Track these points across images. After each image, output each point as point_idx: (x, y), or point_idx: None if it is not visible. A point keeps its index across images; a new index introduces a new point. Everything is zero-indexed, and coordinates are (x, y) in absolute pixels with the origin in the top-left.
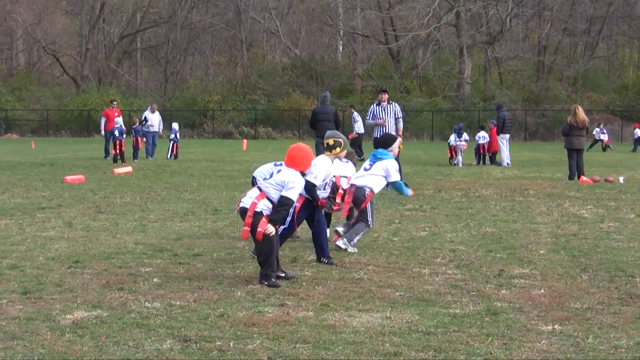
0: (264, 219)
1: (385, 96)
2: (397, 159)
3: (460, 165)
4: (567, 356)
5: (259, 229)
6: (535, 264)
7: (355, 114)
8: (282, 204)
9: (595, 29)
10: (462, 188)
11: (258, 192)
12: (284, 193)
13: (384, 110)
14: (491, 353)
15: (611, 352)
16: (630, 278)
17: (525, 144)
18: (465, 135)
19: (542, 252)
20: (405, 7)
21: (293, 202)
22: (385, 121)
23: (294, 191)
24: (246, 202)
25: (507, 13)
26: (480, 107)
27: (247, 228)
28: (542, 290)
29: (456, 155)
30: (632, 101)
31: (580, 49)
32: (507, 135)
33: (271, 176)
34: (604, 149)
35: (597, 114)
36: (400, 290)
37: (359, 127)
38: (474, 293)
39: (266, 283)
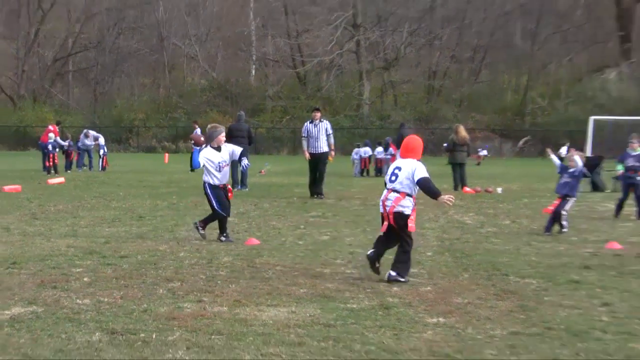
0: (411, 217)
1: (318, 114)
2: None
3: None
4: (449, 345)
5: (409, 224)
6: (423, 265)
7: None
8: (426, 184)
9: (479, 57)
10: (360, 197)
11: (396, 194)
12: (420, 176)
13: (316, 127)
14: (383, 342)
15: (487, 340)
16: (504, 276)
17: None
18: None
19: (429, 254)
20: (311, 35)
21: (429, 177)
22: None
23: (423, 169)
24: (389, 205)
25: (402, 42)
26: (377, 126)
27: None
28: (429, 287)
29: (382, 165)
30: (510, 121)
31: (466, 74)
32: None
33: (397, 177)
34: (478, 164)
35: (480, 132)
36: (304, 287)
37: None
38: (369, 290)
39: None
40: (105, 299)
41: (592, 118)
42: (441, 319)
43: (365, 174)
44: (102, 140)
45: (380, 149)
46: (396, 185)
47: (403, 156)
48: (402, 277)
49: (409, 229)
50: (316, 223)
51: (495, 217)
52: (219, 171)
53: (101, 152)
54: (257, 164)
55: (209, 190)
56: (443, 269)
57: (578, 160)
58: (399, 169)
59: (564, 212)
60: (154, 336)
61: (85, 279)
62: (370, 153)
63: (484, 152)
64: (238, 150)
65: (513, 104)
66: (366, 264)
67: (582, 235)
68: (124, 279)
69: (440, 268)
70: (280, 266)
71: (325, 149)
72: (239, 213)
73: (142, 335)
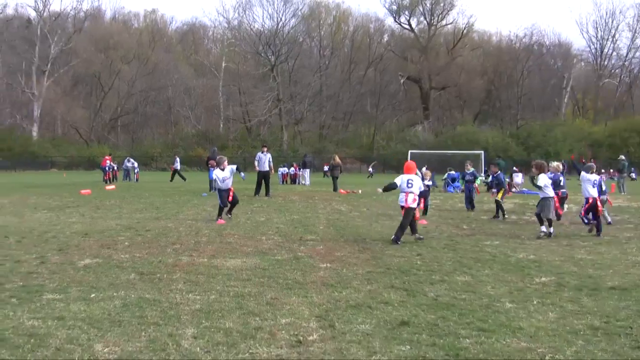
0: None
1: (265, 148)
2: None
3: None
4: (333, 278)
5: (416, 214)
6: (318, 233)
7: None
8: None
9: (347, 117)
10: (281, 196)
11: (413, 195)
12: (421, 186)
13: (265, 155)
14: (295, 278)
15: (354, 276)
16: (364, 240)
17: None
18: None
19: (321, 227)
20: (254, 105)
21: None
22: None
23: (420, 183)
24: (410, 202)
25: (305, 109)
26: (291, 155)
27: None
28: (321, 247)
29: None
30: (365, 152)
31: (340, 126)
32: (308, 170)
33: (412, 185)
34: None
35: (348, 159)
36: (250, 247)
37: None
38: (287, 249)
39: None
40: (137, 255)
41: (410, 151)
42: (328, 264)
43: (285, 183)
44: (136, 164)
45: (292, 169)
46: (413, 189)
47: (407, 172)
48: (398, 240)
49: (415, 217)
50: (257, 211)
51: (358, 207)
52: (223, 182)
53: (136, 170)
54: None
55: (218, 193)
56: (329, 236)
57: (427, 175)
58: (412, 180)
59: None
60: (165, 276)
61: (125, 243)
62: (287, 171)
63: (371, 170)
64: (234, 166)
65: (366, 142)
66: (285, 234)
67: (433, 219)
68: (148, 243)
69: (328, 235)
70: (237, 235)
71: (268, 168)
72: (214, 205)
73: (158, 275)
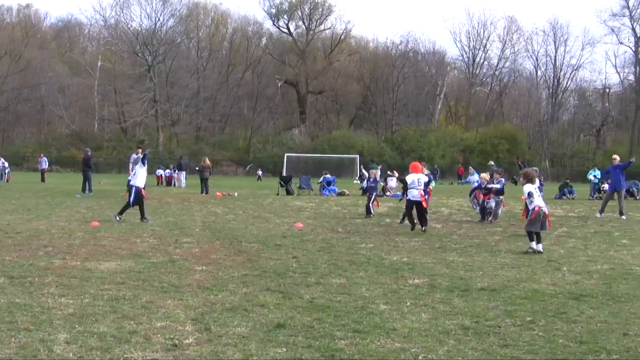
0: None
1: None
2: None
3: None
4: (209, 281)
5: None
6: (194, 236)
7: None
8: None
9: (225, 119)
10: (156, 198)
11: (421, 191)
12: (425, 181)
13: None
14: (171, 281)
15: (230, 278)
16: (239, 242)
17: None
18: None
19: (197, 230)
20: (130, 105)
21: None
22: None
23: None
24: (416, 195)
25: (181, 110)
26: (167, 157)
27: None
28: (197, 249)
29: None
30: (241, 155)
31: (217, 128)
32: (184, 172)
33: (419, 183)
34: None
35: (225, 162)
36: (125, 250)
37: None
38: (163, 251)
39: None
40: (7, 258)
41: (286, 155)
42: (204, 267)
43: (160, 185)
44: (6, 164)
45: (168, 170)
46: (421, 187)
47: (414, 171)
48: (425, 225)
49: (425, 206)
50: (132, 212)
51: (234, 209)
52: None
53: (6, 170)
54: (99, 179)
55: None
56: (205, 239)
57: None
58: (419, 179)
59: None
60: (36, 279)
61: None
62: (163, 173)
63: (260, 173)
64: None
65: (243, 145)
66: (160, 236)
67: (283, 219)
68: (18, 245)
69: (203, 238)
70: (111, 238)
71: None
72: (88, 207)
73: (29, 279)
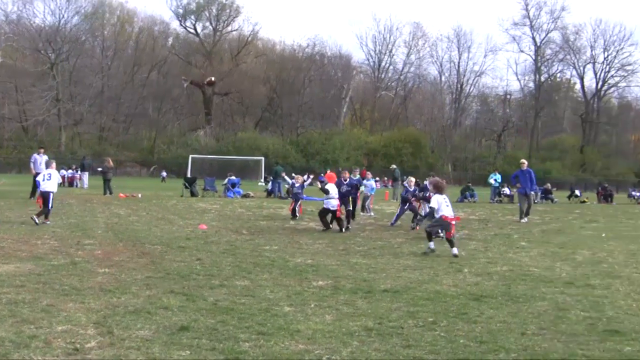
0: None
1: (42, 150)
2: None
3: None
4: (111, 284)
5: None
6: (96, 238)
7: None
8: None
9: (129, 120)
10: (58, 199)
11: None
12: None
13: (41, 156)
14: (72, 283)
15: (133, 281)
16: (143, 244)
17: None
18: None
19: (99, 231)
20: (32, 103)
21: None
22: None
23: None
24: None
25: (85, 109)
26: (69, 157)
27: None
28: (99, 251)
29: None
30: (145, 156)
31: (123, 129)
32: (86, 173)
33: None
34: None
35: (129, 163)
36: (25, 252)
37: None
38: (64, 253)
39: None
40: None
41: (191, 156)
42: (107, 269)
43: (62, 185)
44: None
45: (71, 171)
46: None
47: (331, 181)
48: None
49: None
50: (29, 214)
51: (137, 211)
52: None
53: None
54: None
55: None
56: (108, 240)
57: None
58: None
59: None
60: None
61: None
62: (65, 173)
63: (164, 174)
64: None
65: (147, 146)
66: (62, 238)
67: (187, 221)
68: None
69: (106, 240)
70: (10, 240)
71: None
72: None
73: None
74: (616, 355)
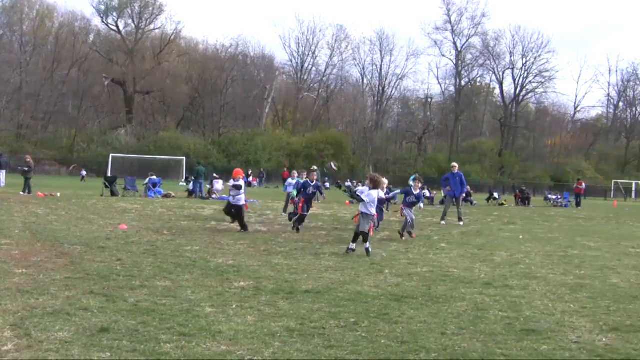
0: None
1: None
2: None
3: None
4: (29, 285)
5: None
6: (13, 237)
7: None
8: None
9: (48, 118)
10: (4, 199)
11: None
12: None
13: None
14: None
15: (51, 282)
16: (62, 244)
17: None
18: None
19: (17, 231)
20: None
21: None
22: None
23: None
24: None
25: (2, 106)
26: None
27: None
28: (17, 251)
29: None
30: (65, 155)
31: (42, 127)
32: (3, 171)
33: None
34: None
35: (48, 161)
36: None
37: None
38: None
39: None
40: None
41: (111, 155)
42: (24, 270)
43: None
44: None
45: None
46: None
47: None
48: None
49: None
50: None
51: (56, 210)
52: None
53: None
54: None
55: None
56: (25, 241)
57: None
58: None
59: None
60: None
61: None
62: None
63: (84, 173)
64: None
65: (67, 144)
66: None
67: (107, 221)
68: None
69: (23, 240)
70: None
71: None
72: None
73: None
74: (533, 353)
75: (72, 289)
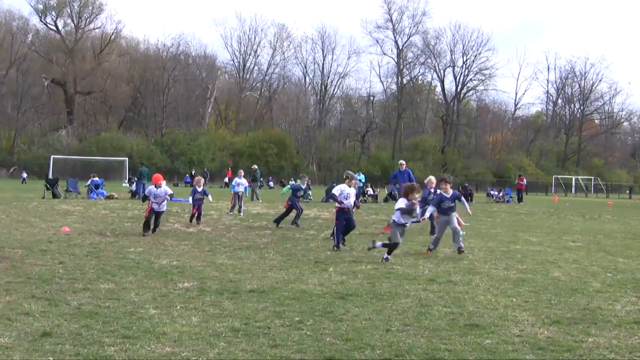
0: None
1: None
2: None
3: None
4: None
5: None
6: None
7: None
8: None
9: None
10: None
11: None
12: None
13: None
14: None
15: None
16: (3, 248)
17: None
18: None
19: None
20: None
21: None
22: None
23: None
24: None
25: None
26: None
27: None
28: None
29: None
30: (9, 156)
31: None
32: None
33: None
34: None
35: None
36: None
37: None
38: None
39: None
40: None
41: (53, 157)
42: None
43: None
44: None
45: None
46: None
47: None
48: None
49: None
50: None
51: None
52: None
53: None
54: None
55: None
56: None
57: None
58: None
59: None
60: None
61: None
62: None
63: (24, 175)
64: None
65: (7, 146)
66: None
67: (49, 224)
68: None
69: None
70: None
71: None
72: None
73: None
74: (477, 348)
75: (13, 293)
